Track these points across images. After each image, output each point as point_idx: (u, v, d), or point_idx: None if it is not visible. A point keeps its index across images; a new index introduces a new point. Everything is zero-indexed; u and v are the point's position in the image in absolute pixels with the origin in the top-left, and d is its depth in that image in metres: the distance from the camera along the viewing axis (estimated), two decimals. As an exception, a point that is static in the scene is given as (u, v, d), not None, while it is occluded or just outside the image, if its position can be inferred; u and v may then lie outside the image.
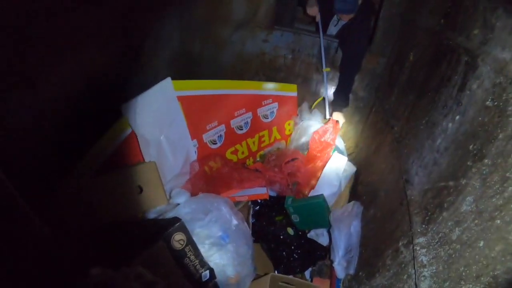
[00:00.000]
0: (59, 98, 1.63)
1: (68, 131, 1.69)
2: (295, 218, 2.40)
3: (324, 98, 3.05)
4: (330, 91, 3.16)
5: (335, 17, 3.18)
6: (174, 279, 1.52)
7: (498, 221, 0.99)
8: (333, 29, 3.25)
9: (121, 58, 2.09)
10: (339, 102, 3.04)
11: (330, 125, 2.83)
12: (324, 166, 2.64)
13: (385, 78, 2.92)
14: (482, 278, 1.00)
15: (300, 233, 2.42)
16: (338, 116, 3.04)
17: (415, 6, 2.50)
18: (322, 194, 2.39)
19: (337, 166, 2.65)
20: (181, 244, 1.56)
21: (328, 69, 2.90)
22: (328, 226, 2.34)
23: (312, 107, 3.11)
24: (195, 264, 1.61)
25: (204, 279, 1.64)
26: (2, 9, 1.15)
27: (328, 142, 2.80)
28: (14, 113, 1.35)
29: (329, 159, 2.68)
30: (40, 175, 1.49)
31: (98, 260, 1.01)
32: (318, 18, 2.93)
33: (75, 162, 1.81)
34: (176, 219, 1.62)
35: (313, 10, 2.93)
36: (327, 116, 2.99)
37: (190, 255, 1.60)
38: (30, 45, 1.35)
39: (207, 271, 1.65)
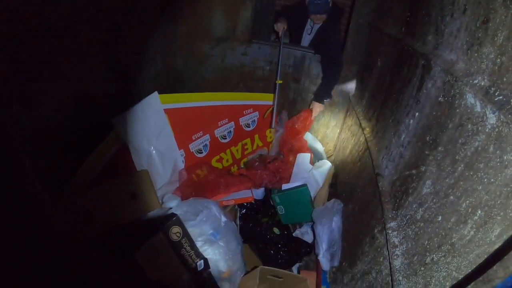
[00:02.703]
0: (51, 115, 1.75)
1: (62, 145, 1.81)
2: (280, 210, 2.56)
3: (273, 109, 3.13)
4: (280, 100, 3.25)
5: (308, 26, 3.36)
6: (173, 268, 1.65)
7: (452, 197, 1.16)
8: (307, 38, 3.41)
9: (109, 76, 2.21)
10: (320, 94, 3.16)
11: (301, 114, 3.06)
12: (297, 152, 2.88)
13: (357, 84, 3.10)
14: (442, 247, 1.16)
15: (285, 232, 2.56)
16: (315, 106, 3.14)
17: (381, 16, 2.71)
18: (305, 184, 2.55)
19: (303, 162, 2.85)
20: (178, 236, 1.70)
21: (281, 81, 2.98)
22: (310, 219, 2.50)
23: (264, 116, 3.21)
24: (191, 255, 1.74)
25: (199, 268, 1.77)
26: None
27: (299, 129, 3.03)
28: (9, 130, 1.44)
29: (302, 145, 2.90)
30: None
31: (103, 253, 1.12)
32: (281, 34, 3.05)
33: (71, 174, 1.93)
34: (173, 214, 1.76)
35: (278, 27, 3.08)
36: (273, 126, 3.10)
37: (186, 246, 1.73)
38: (24, 66, 1.47)
39: (202, 261, 1.78)
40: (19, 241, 1.17)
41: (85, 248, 1.19)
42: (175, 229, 1.70)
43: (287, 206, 2.55)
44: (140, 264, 1.50)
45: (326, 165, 2.84)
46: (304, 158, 2.85)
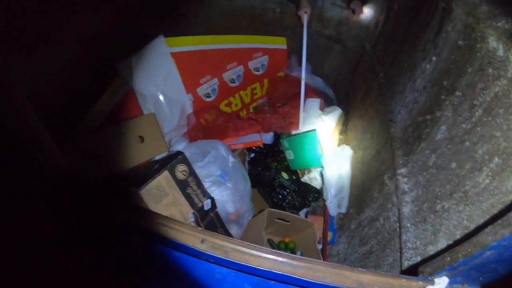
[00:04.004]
0: (58, 60, 1.71)
1: (67, 92, 1.78)
2: (289, 155, 2.54)
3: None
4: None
5: None
6: (179, 207, 1.65)
7: (467, 143, 1.12)
8: None
9: (114, 20, 2.15)
10: None
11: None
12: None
13: (372, 28, 2.99)
14: (454, 195, 1.13)
15: (294, 177, 2.56)
16: (357, 5, 2.84)
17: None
18: (314, 128, 2.51)
19: (312, 107, 2.77)
20: (184, 175, 1.69)
21: (305, 79, 2.78)
22: (320, 164, 2.47)
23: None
24: (198, 194, 1.75)
25: (206, 208, 1.78)
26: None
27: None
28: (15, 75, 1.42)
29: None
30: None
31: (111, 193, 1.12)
32: (304, 21, 2.78)
33: (77, 120, 1.91)
34: (179, 153, 1.75)
35: (302, 13, 2.74)
36: (301, 126, 2.71)
37: (193, 185, 1.73)
38: (27, 12, 1.42)
39: (209, 200, 1.79)
40: (26, 180, 1.17)
41: (92, 188, 1.18)
42: (181, 167, 1.69)
43: (296, 151, 2.53)
44: (146, 203, 1.50)
45: (336, 110, 2.78)
46: (313, 103, 2.78)
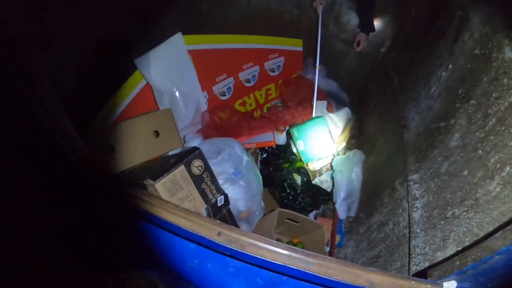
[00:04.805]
0: (75, 55, 1.75)
1: (84, 86, 1.82)
2: (300, 145, 2.52)
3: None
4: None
5: None
6: (193, 201, 1.68)
7: (480, 151, 1.14)
8: None
9: (132, 17, 2.19)
10: (363, 25, 2.92)
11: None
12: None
13: (388, 34, 3.00)
14: (465, 202, 1.15)
15: (305, 179, 2.57)
16: (363, 38, 2.90)
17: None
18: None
19: (320, 109, 2.80)
20: (199, 170, 1.72)
21: (319, 67, 2.82)
22: (333, 152, 2.50)
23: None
24: (212, 189, 1.77)
25: (219, 204, 1.81)
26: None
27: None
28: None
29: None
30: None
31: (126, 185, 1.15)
32: (320, 11, 2.82)
33: (94, 114, 1.96)
34: (195, 148, 1.77)
35: (317, 3, 2.79)
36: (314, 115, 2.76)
37: (207, 180, 1.76)
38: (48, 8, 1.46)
39: (222, 196, 1.81)
40: (45, 167, 1.20)
41: (108, 179, 1.21)
42: (197, 163, 1.72)
43: (306, 140, 2.51)
44: (161, 196, 1.53)
45: (344, 110, 2.79)
46: (320, 106, 2.79)
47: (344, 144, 2.69)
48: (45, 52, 1.54)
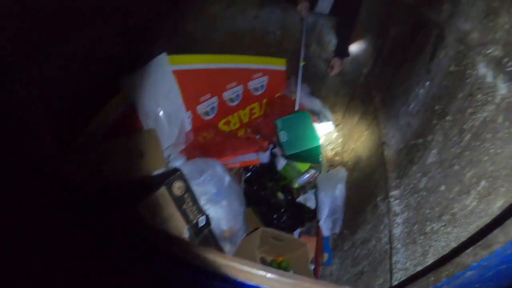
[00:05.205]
0: (61, 73, 1.75)
1: (69, 106, 1.82)
2: (283, 137, 2.58)
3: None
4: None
5: None
6: (175, 222, 1.68)
7: (456, 167, 1.16)
8: (323, 4, 3.30)
9: (120, 36, 2.20)
10: (341, 50, 3.09)
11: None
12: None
13: (370, 53, 3.05)
14: (443, 217, 1.17)
15: (289, 197, 2.58)
16: (337, 63, 3.09)
17: (398, -17, 2.62)
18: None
19: None
20: (181, 191, 1.72)
21: (304, 62, 3.00)
22: (317, 142, 2.54)
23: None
24: (193, 210, 1.77)
25: (200, 224, 1.81)
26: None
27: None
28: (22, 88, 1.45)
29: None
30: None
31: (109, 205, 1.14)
32: (304, 14, 2.98)
33: (78, 133, 1.95)
34: (176, 169, 1.79)
35: (302, 7, 2.99)
36: (297, 107, 3.02)
37: (189, 201, 1.76)
38: (37, 25, 1.47)
39: (203, 217, 1.82)
40: (28, 185, 1.19)
41: (92, 199, 1.20)
42: (178, 184, 1.73)
43: (289, 130, 2.58)
44: (144, 217, 1.53)
45: (327, 122, 2.99)
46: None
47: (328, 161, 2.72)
48: (32, 69, 1.54)
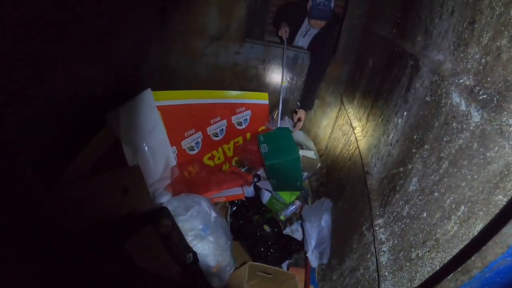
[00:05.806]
0: (43, 111, 1.76)
1: (54, 140, 1.82)
2: (264, 148, 2.64)
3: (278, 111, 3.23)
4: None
5: (304, 28, 3.36)
6: (162, 260, 1.66)
7: (436, 194, 1.19)
8: (301, 40, 3.42)
9: (103, 73, 2.23)
10: (306, 102, 3.25)
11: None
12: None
13: (349, 84, 3.14)
14: (427, 243, 1.19)
15: (276, 229, 2.58)
16: (302, 114, 3.22)
17: (374, 17, 2.74)
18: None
19: None
20: (167, 229, 1.72)
21: (284, 82, 3.12)
22: (297, 155, 2.60)
23: (274, 117, 3.29)
24: (180, 247, 1.76)
25: (188, 261, 1.79)
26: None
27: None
28: (8, 126, 1.44)
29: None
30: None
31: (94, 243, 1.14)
32: (284, 38, 3.14)
33: (63, 169, 1.94)
34: (162, 207, 1.78)
35: (282, 32, 3.16)
36: (279, 125, 3.13)
37: (176, 239, 1.75)
38: (23, 65, 1.49)
39: (191, 254, 1.80)
40: (11, 226, 1.18)
41: (76, 237, 1.20)
42: (165, 222, 1.73)
43: (270, 144, 2.64)
44: (130, 256, 1.51)
45: (311, 152, 2.98)
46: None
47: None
48: (18, 107, 1.54)
